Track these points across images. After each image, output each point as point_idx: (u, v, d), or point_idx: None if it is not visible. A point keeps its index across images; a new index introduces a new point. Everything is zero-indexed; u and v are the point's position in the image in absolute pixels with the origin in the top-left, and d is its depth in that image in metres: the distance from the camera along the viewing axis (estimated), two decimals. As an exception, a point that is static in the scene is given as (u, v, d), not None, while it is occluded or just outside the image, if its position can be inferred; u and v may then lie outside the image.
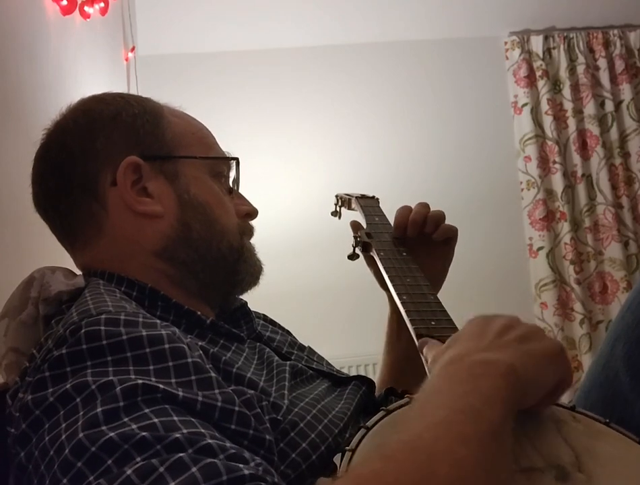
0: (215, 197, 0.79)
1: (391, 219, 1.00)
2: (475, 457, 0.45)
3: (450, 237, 0.96)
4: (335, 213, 1.18)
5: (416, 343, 0.70)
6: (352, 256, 0.99)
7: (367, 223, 1.01)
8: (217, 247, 0.78)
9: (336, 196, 1.19)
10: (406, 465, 0.44)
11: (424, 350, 0.68)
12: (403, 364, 0.97)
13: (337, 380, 0.81)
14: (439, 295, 0.84)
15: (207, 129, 0.85)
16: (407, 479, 0.43)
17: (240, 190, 0.88)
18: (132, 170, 0.75)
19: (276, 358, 0.78)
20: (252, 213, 0.85)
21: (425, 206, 0.97)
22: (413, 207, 0.97)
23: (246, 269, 0.81)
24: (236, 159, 0.85)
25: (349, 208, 1.14)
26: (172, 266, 0.76)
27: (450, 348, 0.59)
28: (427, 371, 0.64)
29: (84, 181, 0.76)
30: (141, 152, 0.76)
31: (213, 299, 0.81)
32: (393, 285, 0.83)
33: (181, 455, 0.47)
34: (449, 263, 0.99)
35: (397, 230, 0.96)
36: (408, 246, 0.95)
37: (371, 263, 0.99)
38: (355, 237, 0.98)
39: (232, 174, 0.86)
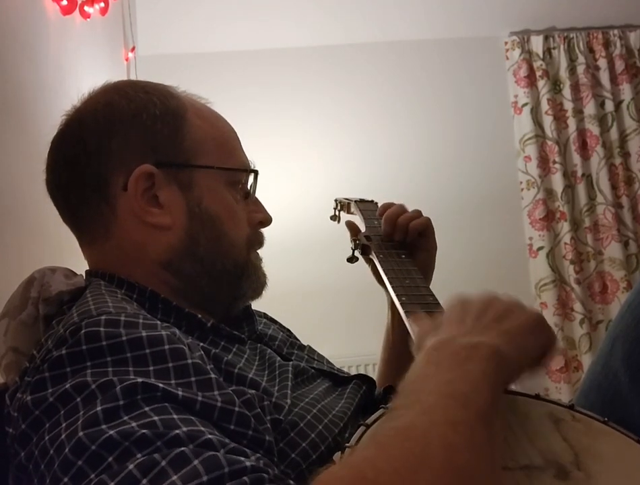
0: (227, 210, 0.78)
1: None
2: (466, 441, 0.46)
3: (420, 231, 0.97)
4: (334, 218, 1.19)
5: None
6: (351, 259, 1.01)
7: (366, 227, 1.02)
8: (222, 263, 0.77)
9: (335, 200, 1.19)
10: (399, 451, 0.45)
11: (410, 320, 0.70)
12: (403, 361, 0.98)
13: (338, 379, 0.81)
14: (438, 293, 0.84)
15: (231, 132, 0.83)
16: (400, 465, 0.43)
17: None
18: (145, 179, 0.74)
19: (278, 358, 0.78)
20: (266, 221, 0.84)
21: (398, 209, 0.98)
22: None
23: (249, 284, 0.81)
24: (255, 171, 0.83)
25: (349, 212, 1.15)
26: (176, 278, 0.76)
27: (433, 336, 0.61)
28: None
29: (96, 181, 0.75)
30: (157, 158, 0.74)
31: (215, 310, 0.80)
32: (392, 287, 0.84)
33: (182, 449, 0.48)
34: (430, 253, 0.99)
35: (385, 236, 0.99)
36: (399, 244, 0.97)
37: (371, 265, 1.00)
38: (354, 240, 0.99)
39: (251, 179, 0.84)
